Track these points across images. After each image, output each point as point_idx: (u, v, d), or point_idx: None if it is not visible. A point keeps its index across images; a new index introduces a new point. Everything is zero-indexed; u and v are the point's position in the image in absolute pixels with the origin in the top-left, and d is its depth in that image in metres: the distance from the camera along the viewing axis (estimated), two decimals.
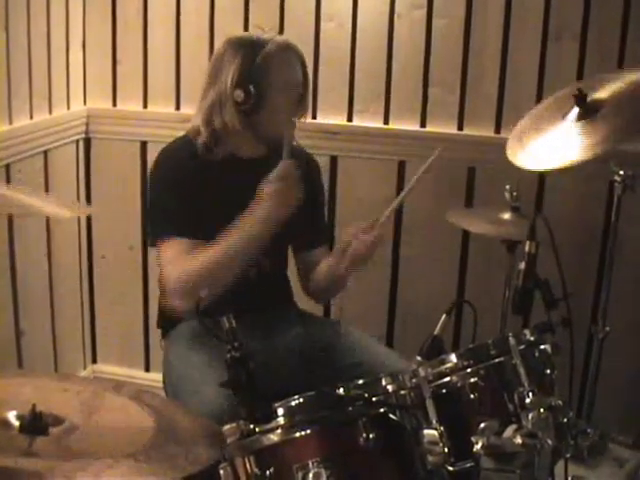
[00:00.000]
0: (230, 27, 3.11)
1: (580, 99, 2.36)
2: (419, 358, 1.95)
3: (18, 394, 1.48)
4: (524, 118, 2.53)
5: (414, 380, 1.71)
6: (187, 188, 2.25)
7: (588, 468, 2.31)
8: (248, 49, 2.27)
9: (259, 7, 3.10)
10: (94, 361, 3.56)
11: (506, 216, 2.60)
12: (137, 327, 3.47)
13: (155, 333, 3.14)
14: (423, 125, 3.06)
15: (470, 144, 3.02)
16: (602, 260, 2.99)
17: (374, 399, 1.62)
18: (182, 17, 3.17)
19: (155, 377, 3.39)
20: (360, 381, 1.66)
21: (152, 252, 3.28)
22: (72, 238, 3.33)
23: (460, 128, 3.03)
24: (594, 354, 2.67)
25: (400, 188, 3.09)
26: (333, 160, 3.10)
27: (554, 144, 2.34)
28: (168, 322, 2.49)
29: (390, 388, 1.67)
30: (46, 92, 3.03)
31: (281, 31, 3.06)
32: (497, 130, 2.98)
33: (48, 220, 3.08)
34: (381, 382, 1.67)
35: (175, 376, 2.31)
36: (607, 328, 2.62)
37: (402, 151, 3.08)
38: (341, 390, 1.62)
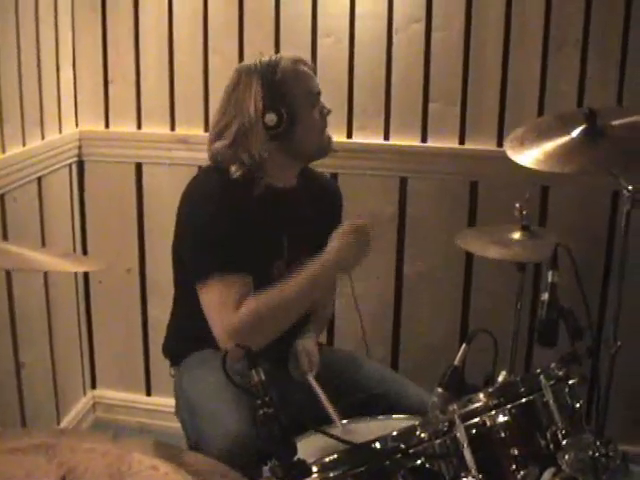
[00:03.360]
0: (224, 45, 3.06)
1: (590, 117, 2.35)
2: (440, 389, 1.91)
3: (43, 464, 1.42)
4: (524, 126, 2.52)
5: (446, 424, 1.67)
6: (231, 223, 2.17)
7: None
8: (262, 72, 2.20)
9: (253, 24, 3.04)
10: (93, 386, 3.50)
11: (516, 236, 2.55)
12: (137, 351, 3.41)
13: (156, 357, 3.10)
14: (424, 140, 3.02)
15: (472, 158, 2.99)
16: (607, 272, 2.97)
17: (411, 451, 1.58)
18: (175, 35, 3.10)
19: (157, 401, 3.37)
20: (394, 432, 1.62)
21: (150, 274, 3.28)
22: None
23: (462, 142, 3.00)
24: (605, 369, 2.65)
25: (402, 204, 3.05)
26: (334, 177, 3.04)
27: (557, 151, 2.32)
28: (180, 350, 2.43)
29: (425, 436, 1.63)
30: (38, 117, 2.95)
31: (277, 47, 3.01)
32: (499, 143, 2.94)
33: (44, 244, 3.01)
34: (415, 432, 1.63)
35: (192, 405, 2.25)
36: (619, 343, 2.60)
37: (403, 167, 3.05)
38: (377, 444, 1.57)
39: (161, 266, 3.17)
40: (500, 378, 2.40)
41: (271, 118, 2.17)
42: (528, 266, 2.71)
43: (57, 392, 3.20)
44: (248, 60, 2.29)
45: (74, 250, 3.27)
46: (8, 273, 2.78)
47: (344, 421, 2.14)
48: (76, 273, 3.29)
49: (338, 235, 2.19)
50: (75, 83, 3.21)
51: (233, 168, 2.21)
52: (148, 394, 3.45)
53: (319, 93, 2.29)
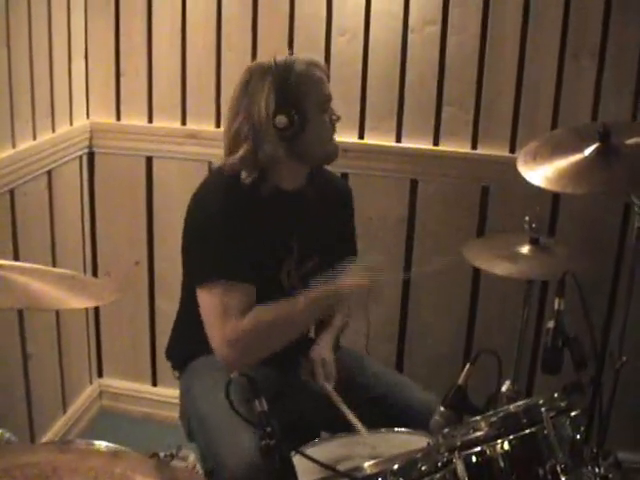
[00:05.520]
0: (238, 41, 3.03)
1: (604, 135, 2.32)
2: (442, 408, 1.92)
3: None
4: (537, 140, 2.50)
5: (446, 454, 1.67)
6: (238, 228, 2.14)
7: None
8: (276, 73, 2.14)
9: (268, 19, 3.01)
10: (100, 375, 3.53)
11: (524, 250, 2.53)
12: (144, 342, 3.43)
13: (162, 348, 3.11)
14: (436, 143, 3.00)
15: (484, 163, 2.97)
16: (615, 285, 2.96)
17: None
18: (188, 29, 3.07)
19: (163, 392, 3.39)
20: (395, 466, 1.62)
21: (158, 267, 3.29)
22: (77, 255, 3.26)
23: (474, 147, 2.98)
24: (609, 385, 2.64)
25: (412, 206, 3.04)
26: (344, 178, 3.02)
27: (569, 171, 2.30)
28: (186, 353, 2.43)
29: (425, 470, 1.64)
30: (49, 110, 2.94)
31: (291, 44, 2.98)
32: (512, 149, 2.92)
33: (53, 237, 3.02)
34: (417, 465, 1.64)
35: (204, 418, 2.21)
36: (624, 358, 2.59)
37: (414, 169, 3.03)
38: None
39: (169, 259, 3.19)
40: (504, 388, 2.41)
41: (281, 120, 2.12)
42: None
43: (64, 380, 3.23)
44: (261, 59, 2.23)
45: (83, 243, 3.29)
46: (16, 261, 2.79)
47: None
48: (84, 263, 3.30)
49: (351, 271, 2.15)
50: (87, 75, 3.19)
51: (244, 174, 2.18)
52: (154, 384, 3.48)
53: (330, 99, 2.25)
